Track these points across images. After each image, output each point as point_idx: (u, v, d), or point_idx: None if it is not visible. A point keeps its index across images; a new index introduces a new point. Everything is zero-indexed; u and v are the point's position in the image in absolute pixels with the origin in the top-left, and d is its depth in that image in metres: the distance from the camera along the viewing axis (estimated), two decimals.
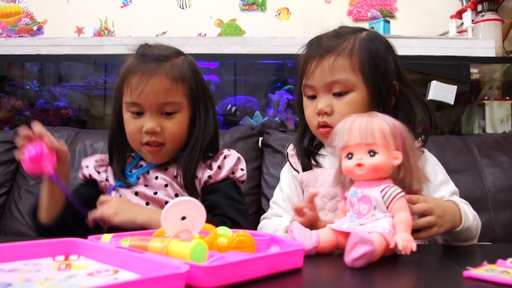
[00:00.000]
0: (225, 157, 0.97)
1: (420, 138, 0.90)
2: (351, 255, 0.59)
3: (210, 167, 0.96)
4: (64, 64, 2.02)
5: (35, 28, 2.17)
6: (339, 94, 0.86)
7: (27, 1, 2.19)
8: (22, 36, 2.14)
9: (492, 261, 0.58)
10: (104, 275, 0.49)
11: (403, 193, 0.69)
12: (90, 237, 0.62)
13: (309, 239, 0.65)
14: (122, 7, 2.18)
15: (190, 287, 0.46)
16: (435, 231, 0.71)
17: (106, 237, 0.62)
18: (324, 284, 0.54)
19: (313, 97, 0.90)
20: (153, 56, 0.93)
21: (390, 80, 0.88)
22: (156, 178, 0.95)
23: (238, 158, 0.98)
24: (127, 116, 0.94)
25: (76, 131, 1.57)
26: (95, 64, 1.93)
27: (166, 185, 0.94)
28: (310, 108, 0.91)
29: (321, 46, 0.88)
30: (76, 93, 2.08)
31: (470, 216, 0.77)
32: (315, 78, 0.88)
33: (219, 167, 0.95)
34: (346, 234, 0.68)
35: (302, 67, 0.92)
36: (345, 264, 0.60)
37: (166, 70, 0.92)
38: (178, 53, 0.98)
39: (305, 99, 0.93)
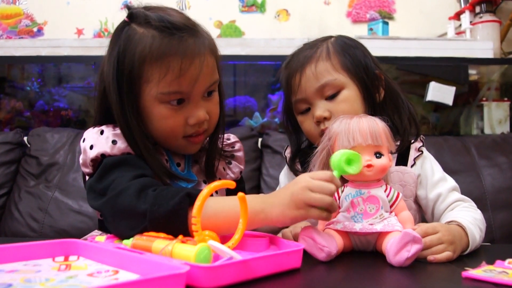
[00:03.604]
0: (239, 148, 0.93)
1: (419, 138, 0.90)
2: (403, 255, 0.59)
3: (230, 163, 0.90)
4: (64, 65, 2.03)
5: (35, 29, 2.17)
6: (331, 97, 0.85)
7: (27, 3, 2.19)
8: (22, 38, 2.14)
9: (491, 261, 0.58)
10: (104, 275, 0.50)
11: (400, 193, 0.70)
12: (88, 238, 0.62)
13: (334, 243, 0.64)
14: (122, 8, 2.18)
15: (190, 287, 0.47)
16: (451, 255, 0.67)
17: (101, 238, 0.63)
18: (322, 283, 0.55)
19: (307, 110, 0.88)
20: (185, 27, 0.74)
21: (372, 70, 0.88)
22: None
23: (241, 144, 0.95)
24: (160, 110, 0.74)
25: (76, 132, 1.58)
26: (95, 65, 1.93)
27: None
28: (307, 121, 0.88)
29: (298, 60, 0.88)
30: (76, 94, 2.08)
31: (477, 235, 0.74)
32: (303, 89, 0.86)
33: (238, 164, 0.91)
34: (347, 234, 0.69)
35: (286, 87, 0.90)
36: (341, 264, 0.61)
37: (205, 45, 0.76)
38: (190, 17, 0.80)
39: (299, 117, 0.91)
